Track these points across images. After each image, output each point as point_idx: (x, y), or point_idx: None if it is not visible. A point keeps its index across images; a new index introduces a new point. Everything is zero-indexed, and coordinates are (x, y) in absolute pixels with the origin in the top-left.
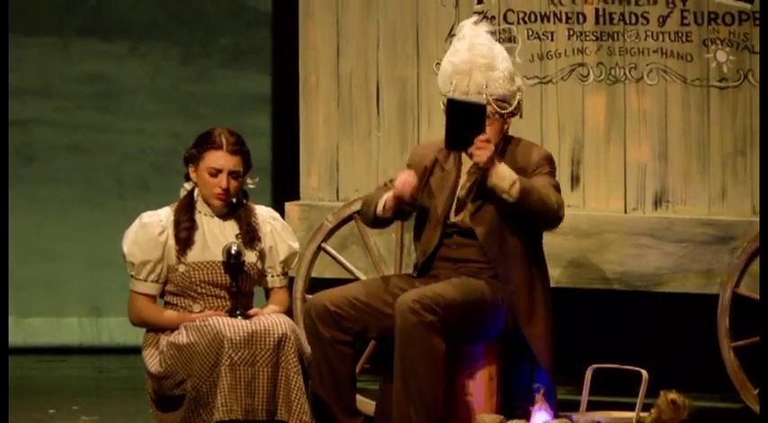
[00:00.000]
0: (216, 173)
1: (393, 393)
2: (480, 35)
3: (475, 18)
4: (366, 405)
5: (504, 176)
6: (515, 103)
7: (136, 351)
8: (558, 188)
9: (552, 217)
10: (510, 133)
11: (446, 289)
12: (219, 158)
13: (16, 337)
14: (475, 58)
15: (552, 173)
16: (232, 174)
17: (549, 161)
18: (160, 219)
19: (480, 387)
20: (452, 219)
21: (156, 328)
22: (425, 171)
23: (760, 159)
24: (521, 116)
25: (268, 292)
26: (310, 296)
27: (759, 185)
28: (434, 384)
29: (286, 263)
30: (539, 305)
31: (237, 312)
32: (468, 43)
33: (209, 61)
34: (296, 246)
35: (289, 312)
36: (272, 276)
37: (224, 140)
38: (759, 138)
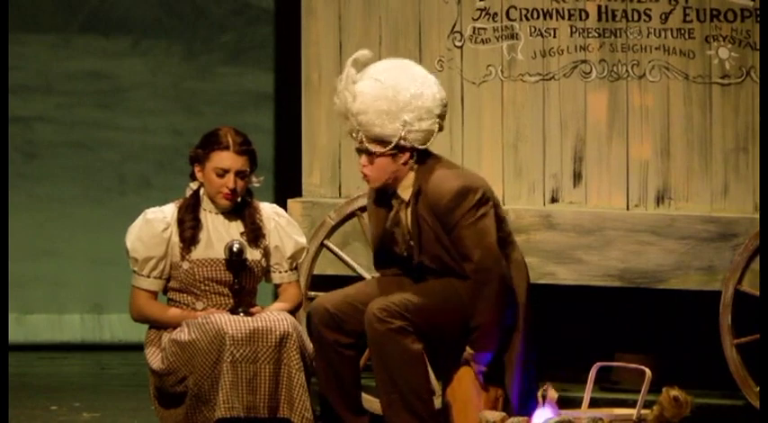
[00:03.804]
0: (223, 173)
1: (380, 405)
2: (350, 78)
3: (355, 56)
4: (370, 402)
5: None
6: (396, 139)
7: (137, 348)
8: (478, 237)
9: (506, 283)
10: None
11: (414, 293)
12: (227, 159)
13: (18, 334)
14: (341, 105)
15: (467, 211)
16: (239, 174)
17: (458, 200)
18: (164, 215)
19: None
20: (386, 244)
21: (158, 325)
22: (371, 199)
23: (760, 158)
24: (419, 149)
25: (277, 289)
26: (312, 293)
27: (759, 183)
28: (419, 388)
29: (294, 258)
30: (511, 346)
31: (240, 310)
32: (337, 90)
33: (211, 58)
34: (302, 240)
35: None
36: (280, 272)
37: (231, 141)
38: (759, 136)
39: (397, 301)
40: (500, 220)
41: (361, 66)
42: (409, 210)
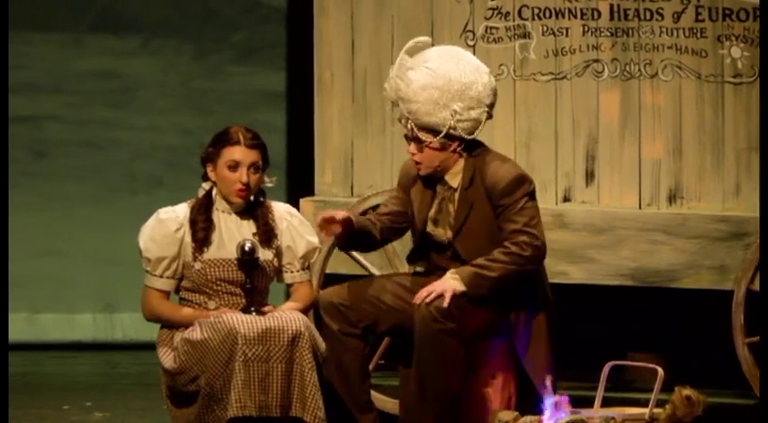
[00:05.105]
0: (235, 165)
1: (409, 395)
2: (402, 66)
3: (412, 42)
4: (382, 402)
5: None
6: (445, 129)
7: (149, 347)
8: (531, 220)
9: (528, 272)
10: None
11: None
12: (238, 152)
13: (28, 333)
14: (391, 91)
15: (523, 197)
16: (251, 167)
17: (517, 185)
18: (177, 215)
19: (497, 383)
20: (429, 228)
21: (170, 325)
22: (414, 183)
23: (760, 158)
24: (466, 139)
25: (289, 289)
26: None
27: (759, 183)
28: (449, 391)
29: (306, 258)
30: (538, 331)
31: (252, 309)
32: (389, 76)
33: (222, 57)
34: (315, 240)
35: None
36: (292, 272)
37: (241, 136)
38: (759, 136)
39: (453, 301)
40: None
41: (414, 53)
42: (457, 195)
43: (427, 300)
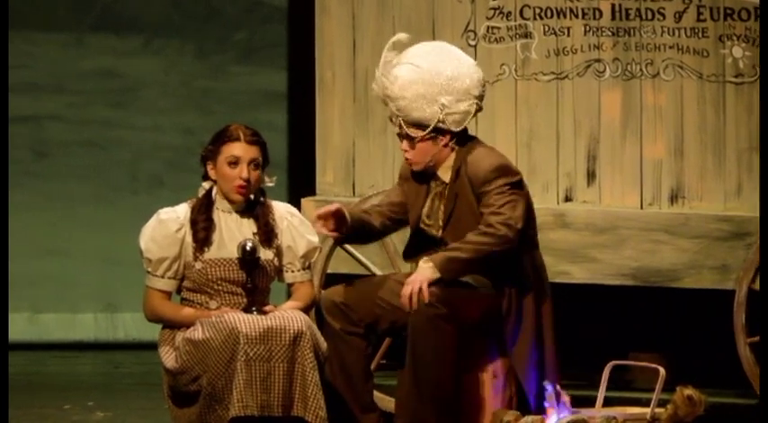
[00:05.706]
0: (235, 161)
1: (405, 386)
2: (387, 64)
3: (393, 40)
4: (385, 402)
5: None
6: (434, 123)
7: (151, 347)
8: (508, 203)
9: (502, 253)
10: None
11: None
12: (237, 148)
13: (31, 333)
14: (379, 90)
15: (504, 185)
16: (251, 164)
17: (498, 173)
18: (178, 215)
19: (497, 382)
20: (423, 223)
21: (172, 325)
22: (411, 178)
23: (760, 157)
24: (457, 133)
25: (290, 288)
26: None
27: (759, 183)
28: (447, 379)
29: (306, 257)
30: (527, 323)
31: (253, 309)
32: (376, 75)
33: (224, 57)
34: (315, 240)
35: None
36: (293, 272)
37: (241, 133)
38: (759, 136)
39: (443, 287)
40: (531, 217)
41: (399, 50)
42: (448, 188)
43: (414, 305)
